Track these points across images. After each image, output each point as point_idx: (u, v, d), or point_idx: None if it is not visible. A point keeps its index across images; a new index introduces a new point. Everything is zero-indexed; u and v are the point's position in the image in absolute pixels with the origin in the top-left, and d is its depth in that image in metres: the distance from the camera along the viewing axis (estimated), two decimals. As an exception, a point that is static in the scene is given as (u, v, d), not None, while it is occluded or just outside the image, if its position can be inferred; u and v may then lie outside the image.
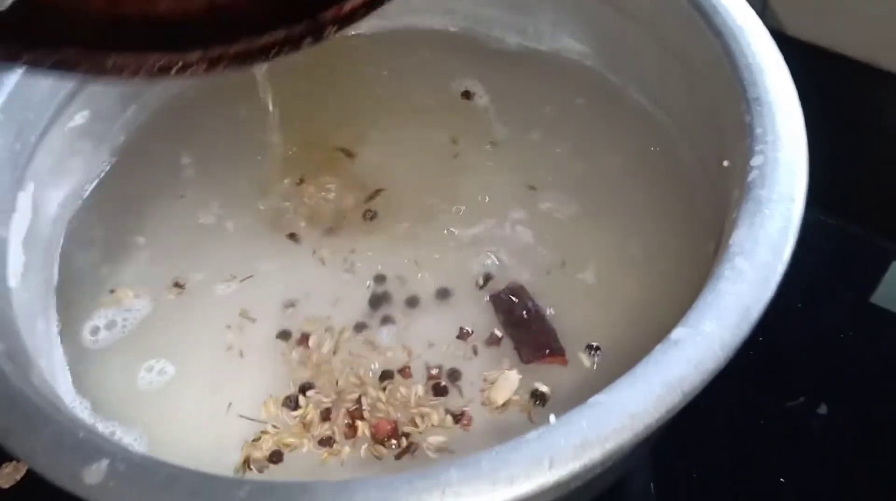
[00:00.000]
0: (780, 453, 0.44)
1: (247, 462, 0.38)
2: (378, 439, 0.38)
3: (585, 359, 0.40)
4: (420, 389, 0.40)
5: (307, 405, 0.39)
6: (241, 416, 0.39)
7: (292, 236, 0.46)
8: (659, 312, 0.37)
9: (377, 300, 0.43)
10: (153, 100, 0.52)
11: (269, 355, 0.42)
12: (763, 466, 0.44)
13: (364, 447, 0.38)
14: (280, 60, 0.30)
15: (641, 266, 0.43)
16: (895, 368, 0.47)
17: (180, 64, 0.29)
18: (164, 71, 0.29)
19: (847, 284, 0.50)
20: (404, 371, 0.40)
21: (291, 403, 0.40)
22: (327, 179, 0.48)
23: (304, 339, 0.42)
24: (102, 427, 0.39)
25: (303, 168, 0.49)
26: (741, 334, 0.31)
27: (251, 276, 0.44)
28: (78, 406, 0.40)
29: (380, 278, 0.44)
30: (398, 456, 0.38)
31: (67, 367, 0.42)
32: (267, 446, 0.38)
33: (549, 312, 0.42)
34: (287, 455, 0.38)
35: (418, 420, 0.39)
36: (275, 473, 0.38)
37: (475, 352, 0.41)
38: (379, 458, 0.38)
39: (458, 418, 0.39)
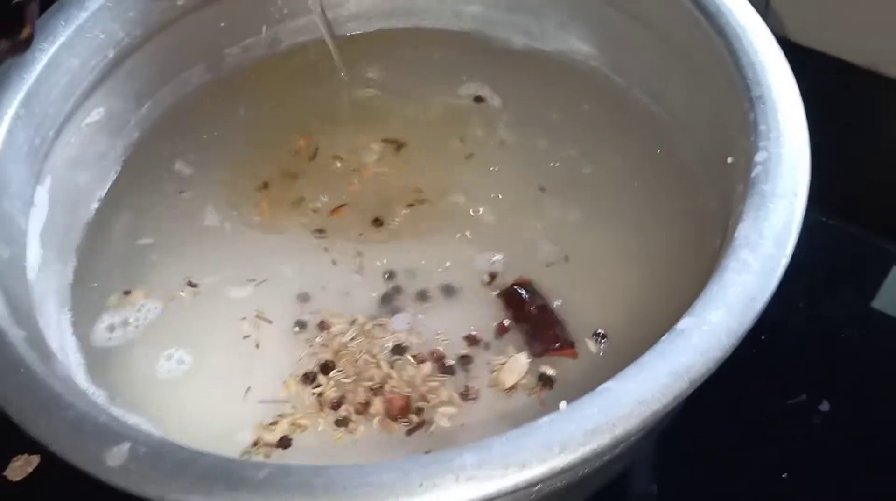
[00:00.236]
0: (782, 449, 0.44)
1: (256, 444, 0.38)
2: (391, 414, 0.39)
3: (592, 345, 0.41)
4: (428, 367, 0.40)
5: (328, 382, 0.40)
6: (262, 401, 0.40)
7: (307, 235, 0.46)
8: (664, 304, 0.37)
9: (388, 298, 0.44)
10: (167, 98, 0.52)
11: (287, 343, 0.42)
12: (765, 462, 0.44)
13: (376, 420, 0.39)
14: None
15: (647, 261, 0.43)
16: (896, 365, 0.48)
17: None
18: None
19: (849, 284, 0.50)
20: (417, 355, 0.41)
21: (310, 379, 0.40)
22: (333, 178, 0.49)
23: (324, 325, 0.42)
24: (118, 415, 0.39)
25: (305, 168, 0.49)
26: (746, 323, 0.31)
27: (266, 280, 0.44)
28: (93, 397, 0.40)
29: (390, 276, 0.44)
30: (409, 432, 0.38)
31: (83, 362, 0.42)
32: (282, 429, 0.39)
33: (557, 304, 0.42)
34: (297, 439, 0.39)
35: (430, 396, 0.39)
36: (283, 457, 0.38)
37: (486, 347, 0.41)
38: (392, 434, 0.38)
39: (465, 395, 0.39)
